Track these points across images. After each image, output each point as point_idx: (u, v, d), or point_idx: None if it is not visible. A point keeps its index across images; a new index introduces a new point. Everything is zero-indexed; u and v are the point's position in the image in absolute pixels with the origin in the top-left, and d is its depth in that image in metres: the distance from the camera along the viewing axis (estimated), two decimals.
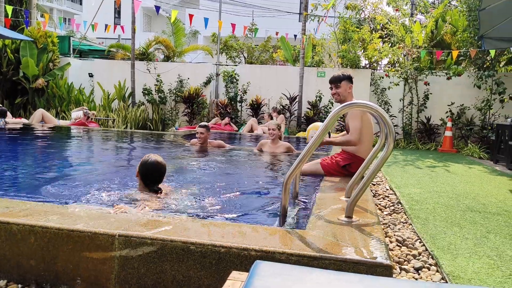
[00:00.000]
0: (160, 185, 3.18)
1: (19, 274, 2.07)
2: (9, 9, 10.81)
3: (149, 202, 2.89)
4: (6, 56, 11.19)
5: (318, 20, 11.54)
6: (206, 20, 10.97)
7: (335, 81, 4.17)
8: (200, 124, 6.46)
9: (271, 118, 9.87)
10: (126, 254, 1.96)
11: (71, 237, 2.00)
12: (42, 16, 19.23)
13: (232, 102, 11.53)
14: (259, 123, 10.60)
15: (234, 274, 1.58)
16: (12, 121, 8.80)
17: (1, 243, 2.07)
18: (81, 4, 38.83)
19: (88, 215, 2.23)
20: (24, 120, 9.26)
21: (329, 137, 4.19)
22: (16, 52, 11.30)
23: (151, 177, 3.08)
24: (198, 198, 3.51)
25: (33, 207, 2.33)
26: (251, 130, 9.92)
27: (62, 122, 9.29)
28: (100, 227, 2.04)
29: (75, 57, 14.23)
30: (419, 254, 2.76)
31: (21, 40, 11.01)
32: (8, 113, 9.20)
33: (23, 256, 2.06)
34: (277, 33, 13.24)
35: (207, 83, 11.93)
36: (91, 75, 12.84)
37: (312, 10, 11.45)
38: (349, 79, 4.19)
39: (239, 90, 11.57)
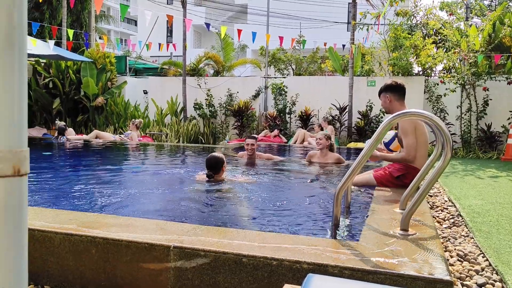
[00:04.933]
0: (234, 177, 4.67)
1: (82, 284, 2.18)
2: (70, 32, 11.56)
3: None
4: (69, 76, 11.95)
5: (367, 29, 11.36)
6: (254, 34, 11.14)
7: (378, 95, 4.12)
8: (249, 136, 6.50)
9: (322, 129, 9.78)
10: (181, 266, 2.01)
11: (129, 248, 2.08)
12: (100, 38, 20.40)
13: (281, 114, 11.56)
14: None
15: (287, 287, 1.56)
16: (74, 138, 9.33)
17: (65, 254, 2.19)
18: (136, 25, 40.79)
19: (145, 226, 2.31)
20: (85, 137, 9.79)
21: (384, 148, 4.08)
22: (77, 73, 12.04)
23: (205, 164, 4.41)
24: (249, 210, 3.53)
25: (94, 219, 2.45)
26: (303, 141, 9.87)
27: (118, 138, 9.72)
28: (156, 238, 2.10)
29: (131, 75, 14.92)
30: (482, 269, 2.60)
31: (81, 61, 11.73)
32: (71, 130, 9.78)
33: (86, 267, 2.16)
34: (325, 44, 13.18)
35: (256, 96, 12.06)
36: (145, 92, 13.40)
37: (360, 19, 11.32)
38: (386, 89, 4.01)
39: (287, 102, 11.59)
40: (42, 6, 16.23)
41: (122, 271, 2.10)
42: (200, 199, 3.91)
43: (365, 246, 2.10)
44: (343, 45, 12.49)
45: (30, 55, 10.48)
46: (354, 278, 1.79)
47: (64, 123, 9.82)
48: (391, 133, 4.28)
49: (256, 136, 6.66)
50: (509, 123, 9.71)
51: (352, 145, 9.66)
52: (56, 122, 10.47)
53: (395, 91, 4.01)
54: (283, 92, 11.66)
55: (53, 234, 2.21)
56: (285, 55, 14.24)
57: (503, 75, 10.14)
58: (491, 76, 10.03)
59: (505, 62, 10.64)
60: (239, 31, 11.60)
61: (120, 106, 11.99)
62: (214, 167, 4.28)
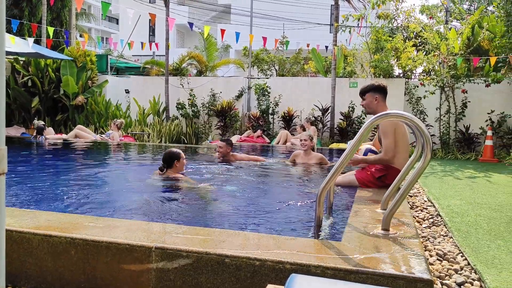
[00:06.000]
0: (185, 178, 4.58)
1: (61, 286, 2.14)
2: (51, 30, 11.34)
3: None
4: (48, 75, 11.72)
5: (350, 31, 11.47)
6: (237, 34, 11.12)
7: (361, 93, 4.14)
8: (221, 138, 6.49)
9: (304, 130, 9.83)
10: (163, 267, 1.99)
11: (109, 249, 2.05)
12: (81, 36, 20.08)
13: (264, 115, 11.58)
14: (292, 134, 10.59)
15: (270, 287, 1.56)
16: (52, 137, 9.16)
17: (43, 255, 2.15)
18: (117, 23, 40.31)
19: (126, 227, 2.28)
20: (64, 136, 9.62)
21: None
22: (57, 71, 11.82)
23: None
24: (231, 210, 3.52)
25: (73, 220, 2.41)
26: (285, 142, 9.89)
27: (99, 138, 9.58)
28: (137, 239, 2.08)
29: (112, 74, 14.73)
30: (461, 268, 2.65)
31: (61, 59, 11.51)
32: (50, 129, 9.59)
33: (65, 268, 2.12)
34: (308, 45, 13.24)
35: (239, 96, 12.04)
36: (127, 91, 13.24)
37: (343, 21, 11.42)
38: (375, 90, 4.06)
39: (271, 102, 11.61)
40: (21, 3, 15.89)
41: (102, 272, 2.07)
42: (157, 194, 4.01)
43: (347, 246, 2.12)
44: (326, 47, 12.59)
45: (8, 53, 10.24)
46: (336, 277, 1.80)
47: (43, 122, 9.63)
48: (362, 149, 4.29)
49: (228, 139, 6.56)
50: (487, 125, 9.94)
51: (334, 145, 9.74)
52: (34, 121, 10.26)
53: (383, 92, 4.09)
54: (266, 93, 11.68)
55: (32, 235, 2.16)
56: (269, 55, 14.26)
57: (481, 78, 10.36)
58: (470, 78, 10.24)
59: (484, 65, 10.88)
60: (223, 31, 11.56)
61: (101, 105, 11.82)
62: (167, 161, 4.49)
